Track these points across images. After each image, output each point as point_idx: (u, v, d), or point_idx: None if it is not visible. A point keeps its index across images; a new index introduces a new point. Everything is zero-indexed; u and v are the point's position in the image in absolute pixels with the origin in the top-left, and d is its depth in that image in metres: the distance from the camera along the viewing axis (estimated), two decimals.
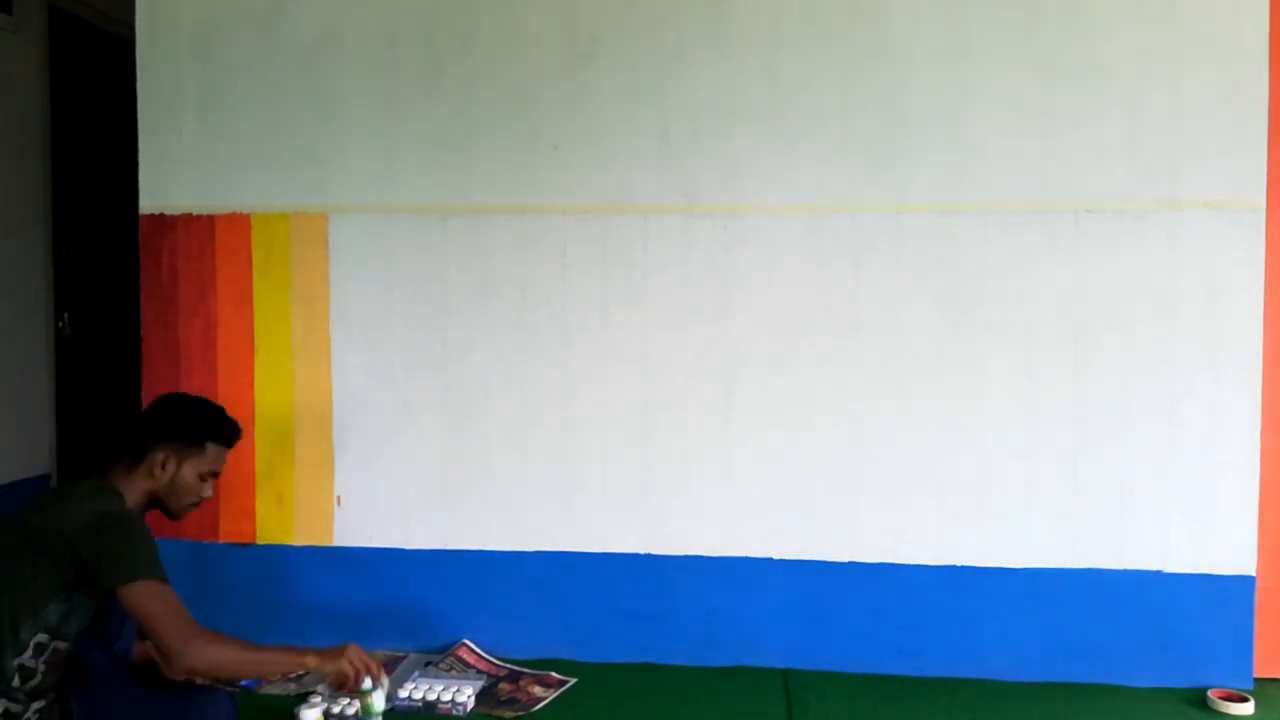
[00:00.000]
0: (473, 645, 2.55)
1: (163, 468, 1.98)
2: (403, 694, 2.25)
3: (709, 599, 2.53)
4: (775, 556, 2.52)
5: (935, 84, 2.43)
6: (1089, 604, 2.43)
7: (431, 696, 2.24)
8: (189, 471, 2.02)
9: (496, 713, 2.25)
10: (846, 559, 2.50)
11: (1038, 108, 2.40)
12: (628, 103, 2.51)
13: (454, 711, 2.22)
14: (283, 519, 2.64)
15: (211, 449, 2.05)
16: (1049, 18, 2.40)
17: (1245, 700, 2.29)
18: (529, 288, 2.56)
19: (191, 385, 2.64)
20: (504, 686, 2.39)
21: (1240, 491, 2.39)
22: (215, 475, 2.08)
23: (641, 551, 2.55)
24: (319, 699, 2.20)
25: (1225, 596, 2.39)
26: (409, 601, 2.60)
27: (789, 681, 2.45)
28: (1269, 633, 2.42)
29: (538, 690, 2.36)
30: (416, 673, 2.41)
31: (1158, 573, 2.41)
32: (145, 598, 1.81)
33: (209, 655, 1.83)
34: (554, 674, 2.45)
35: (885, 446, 2.47)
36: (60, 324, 3.83)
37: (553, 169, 2.53)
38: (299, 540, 2.63)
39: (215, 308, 2.64)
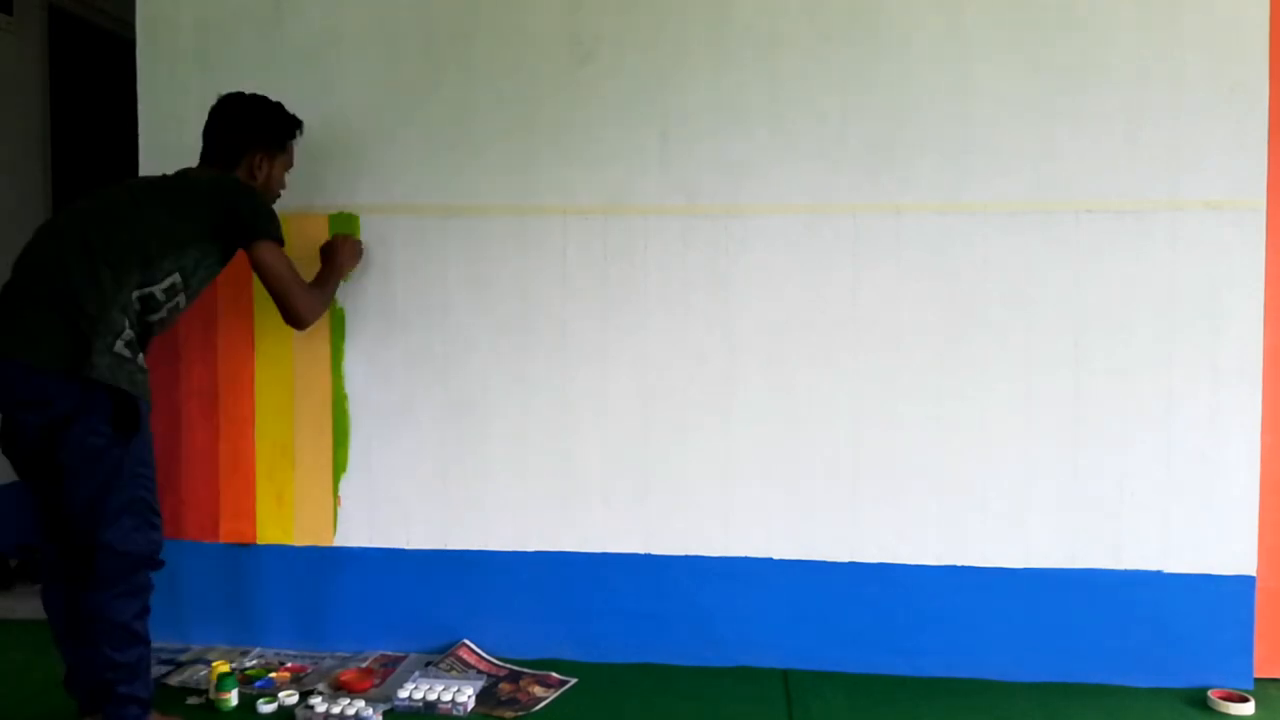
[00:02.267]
0: (473, 645, 2.55)
1: (259, 168, 2.25)
2: (402, 694, 2.26)
3: (709, 599, 2.53)
4: (775, 556, 2.52)
5: (935, 84, 2.43)
6: (1089, 604, 2.43)
7: (432, 697, 2.25)
8: (279, 169, 2.32)
9: (497, 713, 2.25)
10: (846, 559, 2.50)
11: (1038, 107, 2.40)
12: (628, 103, 2.51)
13: (454, 712, 2.22)
14: (283, 519, 2.64)
15: (290, 146, 2.34)
16: (1049, 17, 2.40)
17: (1245, 700, 2.29)
18: (529, 288, 2.56)
19: (192, 386, 2.65)
20: (504, 687, 2.39)
21: (1240, 491, 2.39)
22: (289, 168, 2.36)
23: (641, 551, 2.55)
24: (319, 699, 2.21)
25: (1225, 596, 2.39)
26: (409, 601, 2.61)
27: (789, 681, 2.45)
28: (1269, 633, 2.42)
29: (538, 690, 2.37)
30: (417, 673, 2.41)
31: (1158, 573, 2.41)
32: (279, 255, 2.17)
33: (316, 308, 2.29)
34: (554, 674, 2.45)
35: (885, 446, 2.47)
36: None
37: (552, 169, 2.54)
38: (299, 540, 2.64)
39: (215, 308, 2.64)
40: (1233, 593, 2.39)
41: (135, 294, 1.98)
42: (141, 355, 2.01)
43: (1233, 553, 2.39)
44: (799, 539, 2.51)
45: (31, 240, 2.03)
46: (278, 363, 2.62)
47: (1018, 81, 2.41)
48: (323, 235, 2.58)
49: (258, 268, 2.17)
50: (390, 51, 2.57)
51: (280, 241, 2.20)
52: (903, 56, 2.43)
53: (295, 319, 2.25)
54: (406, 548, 2.61)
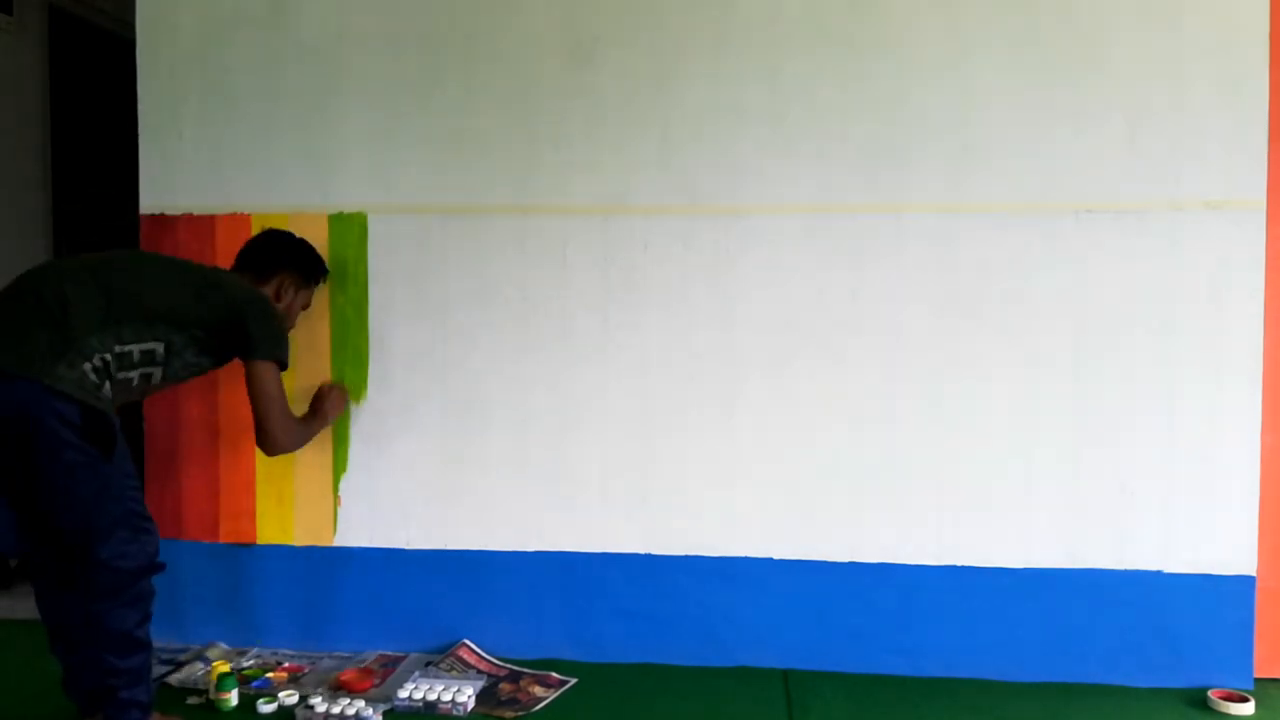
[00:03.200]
0: (473, 645, 2.55)
1: (286, 291, 2.34)
2: (402, 694, 2.25)
3: (709, 599, 2.53)
4: (775, 556, 2.52)
5: (935, 84, 2.43)
6: (1089, 604, 2.43)
7: (432, 697, 2.25)
8: (300, 302, 2.40)
9: (497, 713, 2.25)
10: (847, 559, 2.50)
11: (1038, 107, 2.40)
12: (628, 103, 2.51)
13: (454, 712, 2.22)
14: (283, 519, 2.64)
15: (315, 288, 2.45)
16: (1049, 17, 2.40)
17: (1246, 700, 2.29)
18: (529, 288, 2.56)
19: (192, 386, 2.64)
20: (504, 687, 2.39)
21: (1241, 491, 2.39)
22: (306, 308, 2.45)
23: (641, 551, 2.55)
24: (319, 699, 2.21)
25: (1226, 597, 2.39)
26: (409, 601, 2.61)
27: (789, 681, 2.45)
28: (1269, 633, 2.42)
29: (538, 690, 2.36)
30: (417, 673, 2.41)
31: (1158, 573, 2.41)
32: (273, 376, 2.19)
33: (292, 440, 2.32)
34: (554, 674, 2.45)
35: (885, 446, 2.47)
36: None
37: (553, 169, 2.54)
38: (299, 540, 2.63)
39: None
40: (1233, 593, 2.39)
41: (115, 343, 1.96)
42: (105, 389, 1.95)
43: (1233, 553, 2.39)
44: (799, 539, 2.51)
45: (51, 259, 2.05)
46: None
47: (1018, 81, 2.41)
48: (323, 235, 2.58)
49: (251, 383, 2.19)
50: (390, 52, 2.57)
51: (284, 366, 2.24)
52: (903, 56, 2.44)
53: (269, 443, 2.25)
54: (407, 548, 2.61)
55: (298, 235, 2.44)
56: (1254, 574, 2.39)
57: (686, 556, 2.54)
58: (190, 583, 2.65)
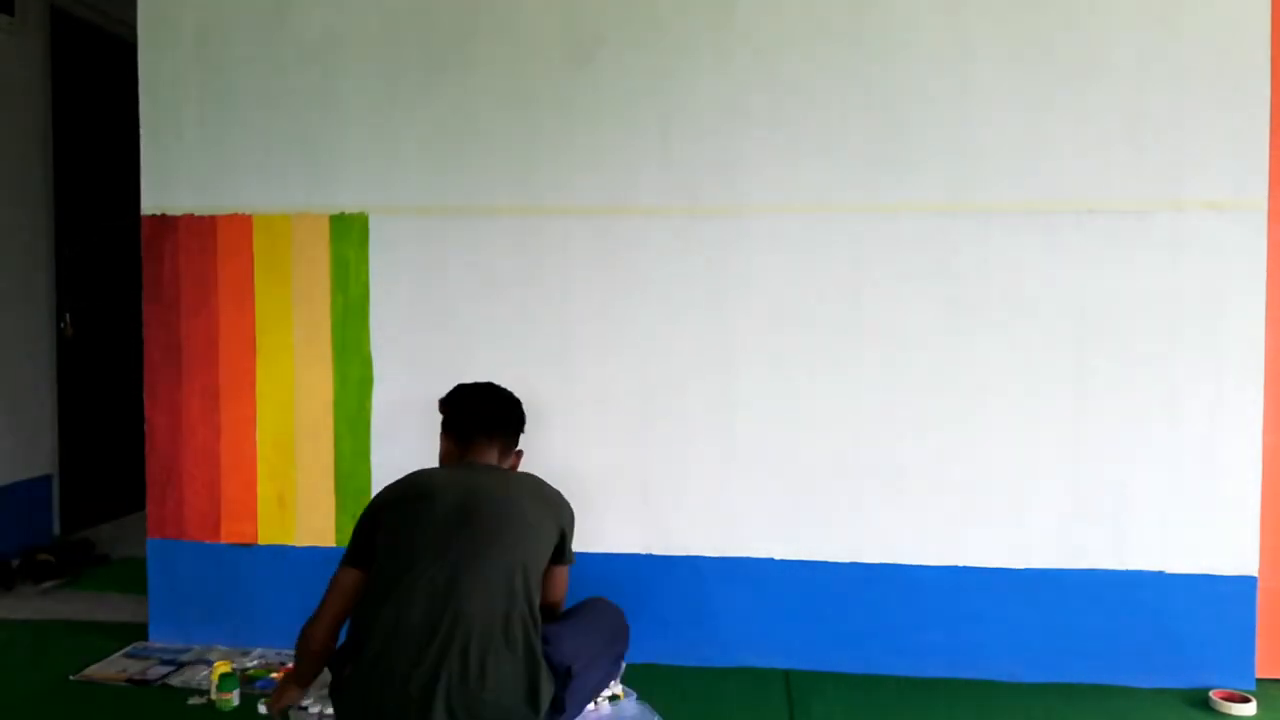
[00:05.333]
0: None
1: (518, 460, 2.18)
2: None
3: (710, 599, 2.53)
4: (776, 556, 2.51)
5: (936, 84, 2.43)
6: (1090, 605, 2.43)
7: None
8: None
9: None
10: (847, 559, 2.50)
11: (1039, 108, 2.40)
12: (628, 103, 2.51)
13: None
14: (284, 519, 2.64)
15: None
16: (1050, 17, 2.39)
17: (1247, 701, 2.29)
18: (530, 288, 2.56)
19: (193, 386, 2.65)
20: None
21: (1242, 492, 2.39)
22: None
23: (641, 551, 2.55)
24: (310, 700, 2.21)
25: (1227, 597, 2.39)
26: None
27: (790, 682, 2.45)
28: (1271, 633, 2.41)
29: None
30: None
31: (1159, 573, 2.41)
32: (566, 578, 2.06)
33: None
34: None
35: (886, 446, 2.47)
36: (62, 324, 3.84)
37: (553, 169, 2.54)
38: (300, 541, 2.64)
39: (217, 308, 2.64)
40: (1234, 593, 2.39)
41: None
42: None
43: (1234, 553, 2.39)
44: (800, 539, 2.51)
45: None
46: (279, 363, 2.62)
47: (1019, 81, 2.40)
48: (324, 235, 2.58)
49: (549, 585, 2.02)
50: (392, 52, 2.57)
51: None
52: (904, 57, 2.43)
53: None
54: None
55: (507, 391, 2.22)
56: (1255, 574, 2.39)
57: (687, 556, 2.54)
58: (191, 583, 2.65)
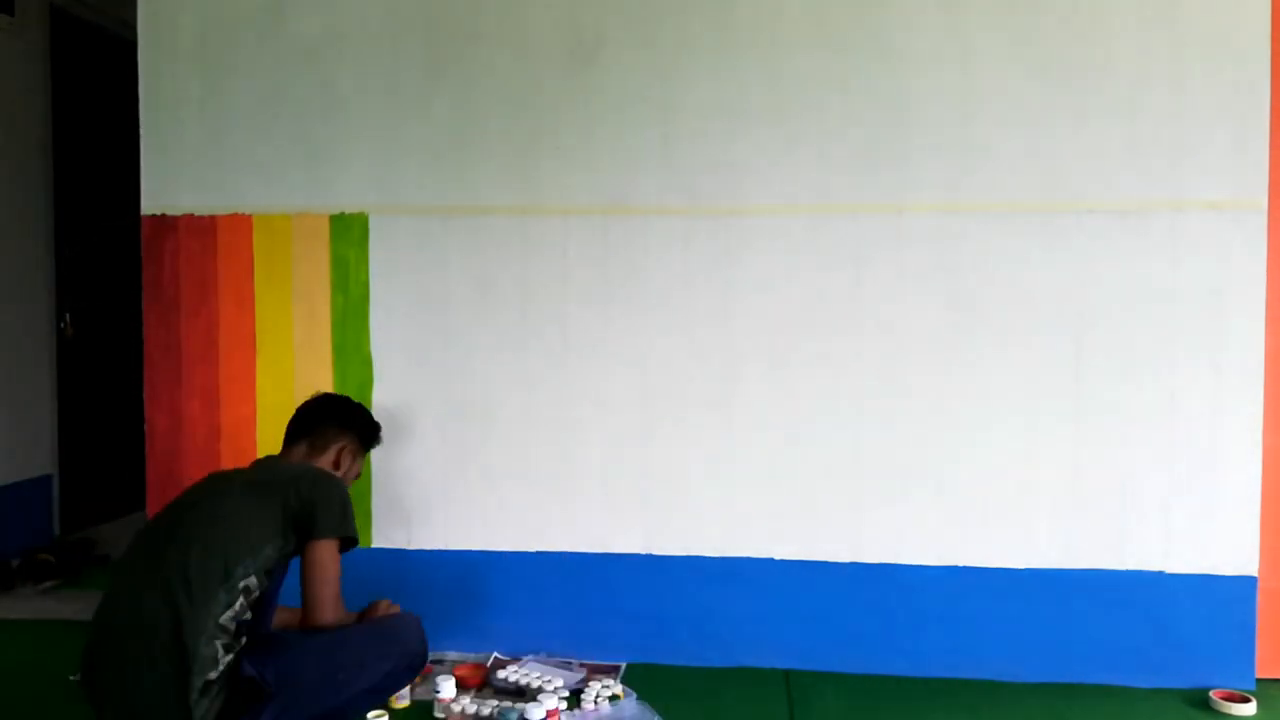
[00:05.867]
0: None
1: (341, 458, 2.23)
2: (501, 674, 2.35)
3: (709, 599, 2.53)
4: (776, 556, 2.51)
5: (936, 84, 2.43)
6: (1090, 604, 2.43)
7: (524, 682, 2.31)
8: (356, 467, 2.30)
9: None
10: (848, 559, 2.50)
11: (1039, 108, 2.40)
12: (628, 103, 2.51)
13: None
14: None
15: (368, 455, 2.36)
16: (1050, 17, 2.39)
17: (1247, 701, 2.28)
18: (530, 288, 2.56)
19: (194, 386, 2.65)
20: None
21: (1242, 492, 2.39)
22: (356, 478, 2.33)
23: (642, 551, 2.55)
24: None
25: (1227, 597, 2.39)
26: (409, 603, 2.58)
27: (790, 682, 2.44)
28: (1271, 633, 2.41)
29: None
30: (529, 657, 2.50)
31: (1159, 573, 2.41)
32: (332, 555, 2.03)
33: (335, 621, 2.03)
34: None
35: (886, 446, 2.47)
36: (62, 324, 3.84)
37: (553, 169, 2.54)
38: None
39: (217, 308, 2.64)
40: (1234, 593, 2.39)
41: (226, 609, 1.87)
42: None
43: (1234, 553, 2.39)
44: (800, 539, 2.51)
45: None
46: (279, 362, 2.62)
47: (1019, 81, 2.40)
48: (324, 235, 2.58)
49: (310, 563, 2.02)
50: (392, 52, 2.58)
51: (353, 543, 2.10)
52: (904, 56, 2.43)
53: (317, 621, 2.02)
54: (407, 548, 2.61)
55: (352, 400, 2.34)
56: (1255, 574, 2.39)
57: (687, 556, 2.54)
58: None
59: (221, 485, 2.06)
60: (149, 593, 1.85)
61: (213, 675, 1.82)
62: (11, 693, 2.37)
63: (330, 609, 2.01)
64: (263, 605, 1.95)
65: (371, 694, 2.06)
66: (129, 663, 1.82)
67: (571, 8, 2.52)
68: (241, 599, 1.89)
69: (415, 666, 2.14)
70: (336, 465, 2.23)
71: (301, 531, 2.01)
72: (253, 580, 1.92)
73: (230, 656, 1.85)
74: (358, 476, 2.34)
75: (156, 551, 1.91)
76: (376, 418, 2.37)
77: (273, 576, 1.98)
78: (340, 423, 2.26)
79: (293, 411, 2.30)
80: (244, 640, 1.89)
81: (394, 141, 2.58)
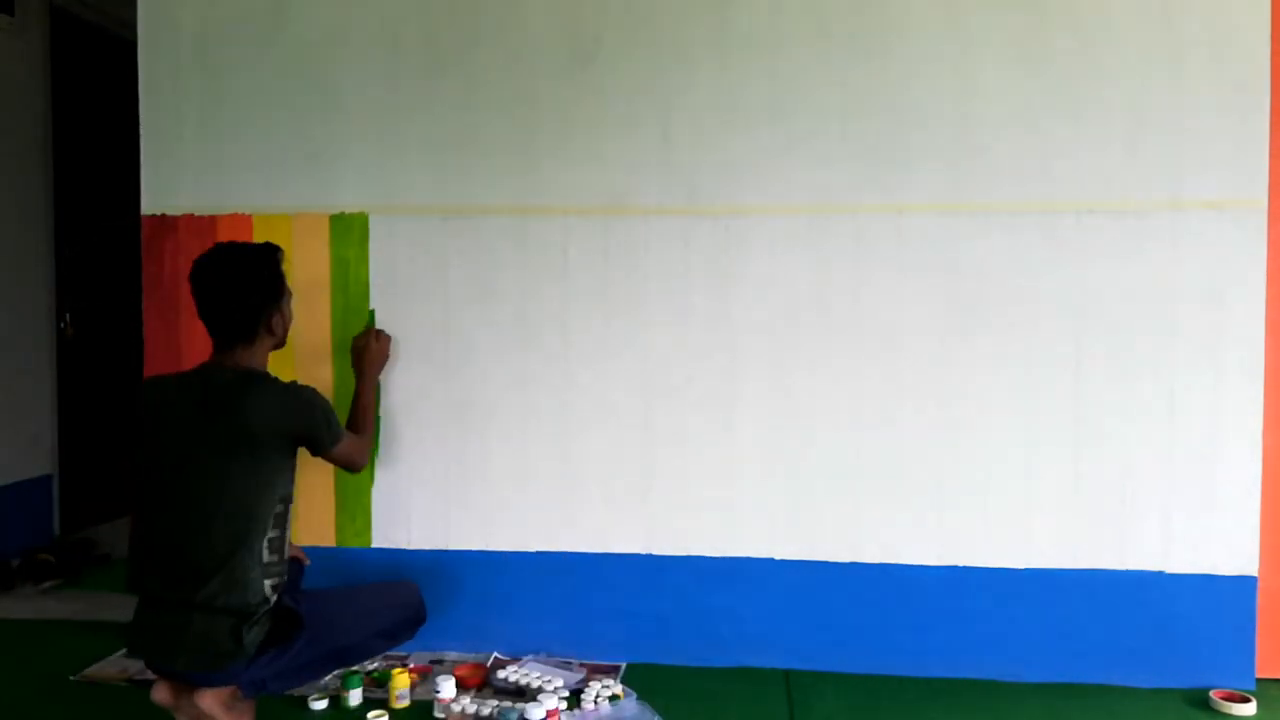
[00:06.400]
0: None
1: (275, 323, 2.15)
2: (501, 674, 2.37)
3: (709, 599, 2.53)
4: (776, 557, 2.51)
5: (936, 83, 2.43)
6: (1090, 604, 2.43)
7: (524, 682, 2.31)
8: (289, 308, 2.21)
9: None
10: (848, 559, 2.50)
11: (1039, 107, 2.40)
12: (628, 103, 2.51)
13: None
14: None
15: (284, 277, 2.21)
16: (1050, 17, 2.39)
17: (1247, 701, 2.29)
18: (530, 288, 2.56)
19: None
20: None
21: (1242, 492, 2.39)
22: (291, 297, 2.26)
23: (642, 551, 2.55)
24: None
25: (1227, 597, 2.39)
26: None
27: (790, 682, 2.44)
28: (1271, 633, 2.41)
29: None
30: (528, 657, 2.50)
31: (1159, 573, 2.41)
32: (346, 447, 2.19)
33: (367, 451, 2.36)
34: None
35: (886, 446, 2.47)
36: (63, 324, 3.84)
37: (553, 169, 2.54)
38: (300, 541, 2.62)
39: None
40: (1234, 593, 2.39)
41: (264, 539, 2.02)
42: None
43: (1234, 553, 2.39)
44: (800, 539, 2.51)
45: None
46: (278, 361, 2.61)
47: (1019, 81, 2.40)
48: (324, 235, 2.58)
49: (334, 461, 2.21)
50: (392, 52, 2.57)
51: (342, 427, 2.21)
52: (904, 56, 2.43)
53: (356, 470, 2.31)
54: (407, 548, 2.61)
55: (238, 250, 2.14)
56: (1255, 574, 2.39)
57: (687, 556, 2.54)
58: None
59: (196, 448, 2.00)
60: (197, 539, 1.98)
61: (262, 607, 1.99)
62: (11, 693, 2.37)
63: (360, 459, 2.28)
64: (284, 519, 2.09)
65: (381, 637, 2.23)
66: (182, 607, 1.96)
67: (571, 8, 2.52)
68: (275, 524, 2.05)
69: (419, 619, 2.30)
70: (271, 331, 2.12)
71: (305, 447, 2.14)
72: (280, 507, 2.06)
73: (274, 593, 2.02)
74: (291, 296, 2.19)
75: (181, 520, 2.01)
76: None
77: (286, 499, 2.09)
78: (252, 305, 2.08)
79: None
80: (282, 565, 2.06)
81: (394, 142, 2.58)
